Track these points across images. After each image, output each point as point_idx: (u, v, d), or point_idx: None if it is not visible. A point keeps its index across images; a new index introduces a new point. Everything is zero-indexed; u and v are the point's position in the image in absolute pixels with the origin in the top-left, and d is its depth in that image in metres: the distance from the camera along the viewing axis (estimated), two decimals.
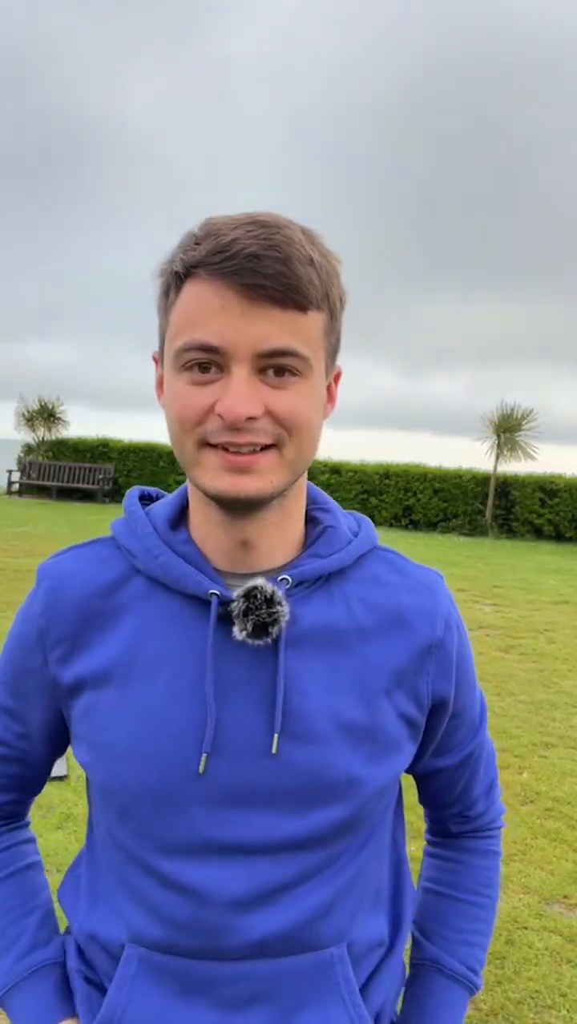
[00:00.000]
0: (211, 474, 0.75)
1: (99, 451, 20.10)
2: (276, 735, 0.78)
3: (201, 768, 0.78)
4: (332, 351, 0.80)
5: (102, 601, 0.84)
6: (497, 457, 17.78)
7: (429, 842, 1.08)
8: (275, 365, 0.73)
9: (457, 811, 1.02)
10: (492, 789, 1.04)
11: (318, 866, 0.81)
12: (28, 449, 20.85)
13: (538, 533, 17.26)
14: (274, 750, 0.78)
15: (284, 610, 0.78)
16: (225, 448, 0.74)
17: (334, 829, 0.81)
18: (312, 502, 0.90)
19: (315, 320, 0.75)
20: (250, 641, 0.78)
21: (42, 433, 20.94)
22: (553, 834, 3.57)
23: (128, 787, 0.80)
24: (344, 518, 0.90)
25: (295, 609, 0.81)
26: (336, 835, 0.82)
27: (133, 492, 0.92)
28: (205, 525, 0.83)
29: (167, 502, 0.89)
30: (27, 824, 1.04)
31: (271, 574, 0.83)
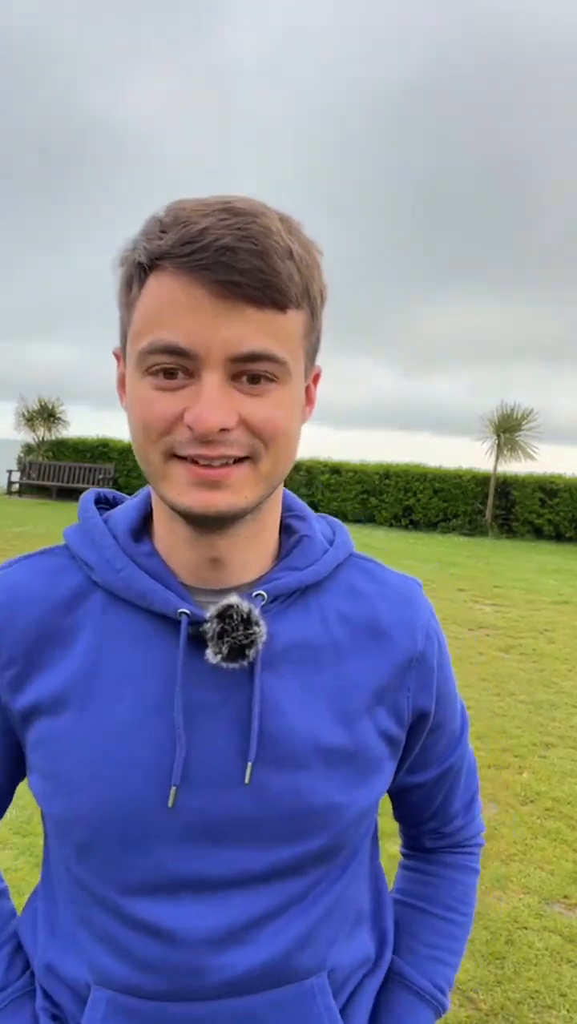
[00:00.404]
0: (179, 488, 0.68)
1: (99, 451, 20.11)
2: (249, 763, 0.72)
3: (171, 802, 0.71)
4: (312, 351, 0.74)
5: (59, 617, 0.76)
6: (497, 457, 17.78)
7: (403, 855, 1.03)
8: (250, 371, 0.66)
9: (433, 827, 0.97)
10: (472, 804, 0.99)
11: (295, 897, 0.76)
12: (28, 449, 20.85)
13: (538, 533, 17.26)
14: (247, 780, 0.72)
15: (262, 631, 0.72)
16: (194, 461, 0.67)
17: (313, 858, 0.76)
18: (287, 509, 0.84)
19: (294, 320, 0.68)
20: (225, 665, 0.72)
21: (42, 433, 20.94)
22: (553, 834, 3.57)
23: (88, 821, 0.73)
24: (318, 524, 0.85)
25: (271, 627, 0.75)
26: (314, 864, 0.77)
27: (88, 495, 0.84)
28: (170, 537, 0.76)
29: (128, 509, 0.82)
30: None
31: (244, 589, 0.77)
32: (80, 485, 19.31)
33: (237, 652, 0.72)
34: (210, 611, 0.73)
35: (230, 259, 0.63)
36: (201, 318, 0.64)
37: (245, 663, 0.73)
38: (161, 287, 0.66)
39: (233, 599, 0.73)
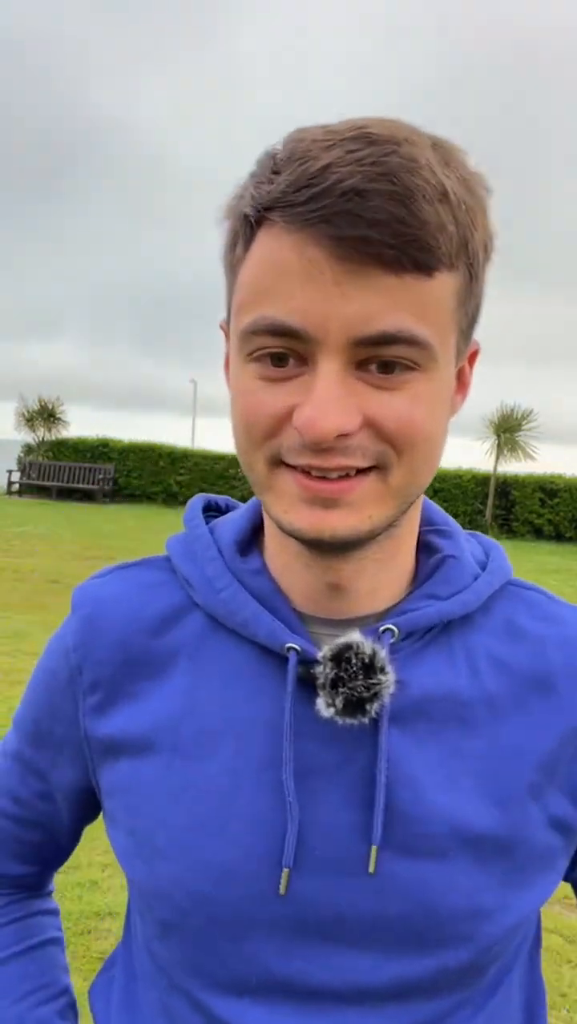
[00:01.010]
0: (286, 504, 0.55)
1: (99, 451, 20.10)
2: (374, 847, 0.57)
3: (282, 888, 0.57)
4: (469, 325, 0.57)
5: (151, 639, 0.64)
6: (497, 457, 17.80)
7: None
8: (382, 357, 0.51)
9: None
10: None
11: (427, 1022, 0.59)
12: (28, 449, 20.86)
13: (538, 533, 17.27)
14: (372, 868, 0.57)
15: (388, 680, 0.57)
16: (306, 471, 0.53)
17: (451, 978, 0.59)
18: (427, 523, 0.67)
19: (445, 285, 0.51)
20: (340, 720, 0.57)
21: (42, 433, 20.96)
22: None
23: (172, 896, 0.60)
24: (467, 543, 0.68)
25: (402, 672, 0.59)
26: (453, 985, 0.60)
27: (197, 501, 0.71)
28: (282, 555, 0.62)
29: (237, 518, 0.68)
30: (48, 893, 0.83)
31: (370, 621, 0.61)
32: (80, 485, 19.30)
33: (355, 707, 0.57)
34: (323, 651, 0.58)
35: (357, 206, 0.47)
36: (317, 288, 0.49)
37: (366, 719, 0.57)
38: (269, 247, 0.51)
39: (354, 637, 0.58)
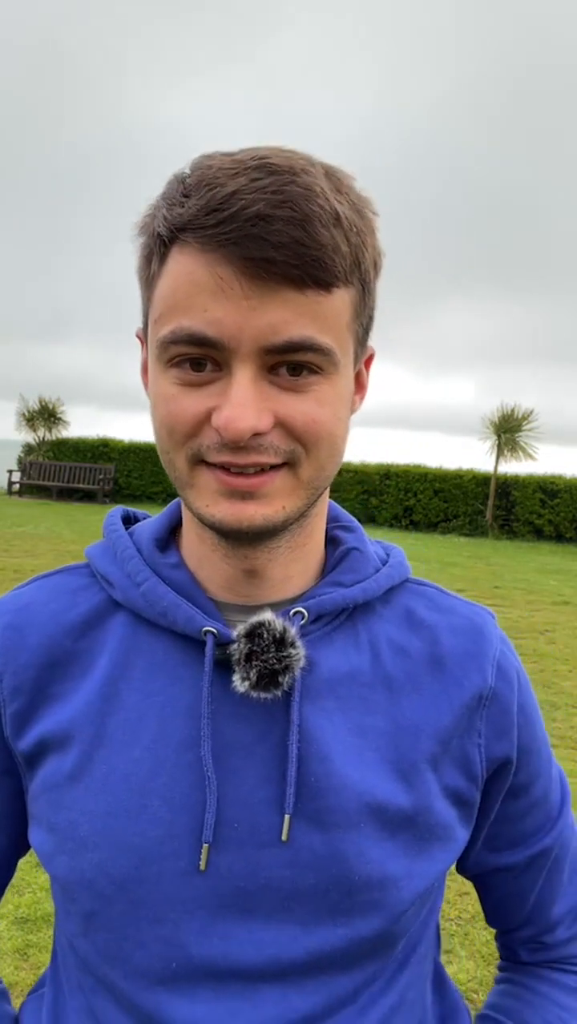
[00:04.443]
0: (207, 498, 0.59)
1: (99, 451, 20.10)
2: (287, 816, 0.60)
3: (203, 864, 0.60)
4: (363, 333, 0.63)
5: (72, 642, 0.67)
6: (497, 457, 17.79)
7: (499, 969, 0.84)
8: (290, 362, 0.57)
9: (530, 934, 0.78)
10: None
11: (344, 998, 0.62)
12: (28, 449, 20.86)
13: (539, 534, 17.25)
14: (284, 836, 0.60)
15: (298, 653, 0.62)
16: (225, 468, 0.59)
17: (365, 947, 0.62)
18: (333, 520, 0.73)
19: (342, 300, 0.58)
20: (254, 694, 0.61)
21: (42, 433, 20.96)
22: None
23: (95, 884, 0.61)
24: (371, 544, 0.74)
25: (313, 652, 0.64)
26: (367, 955, 0.63)
27: (115, 512, 0.75)
28: (199, 547, 0.67)
29: (153, 520, 0.73)
30: None
31: (283, 607, 0.66)
32: (80, 485, 19.31)
33: (268, 679, 0.61)
34: (238, 629, 0.63)
35: (263, 230, 0.53)
36: (230, 303, 0.54)
37: (279, 692, 0.62)
38: (184, 265, 0.56)
39: (266, 615, 0.63)
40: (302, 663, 0.63)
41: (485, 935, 2.77)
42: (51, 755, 0.65)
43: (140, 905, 0.61)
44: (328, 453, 0.61)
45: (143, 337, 0.65)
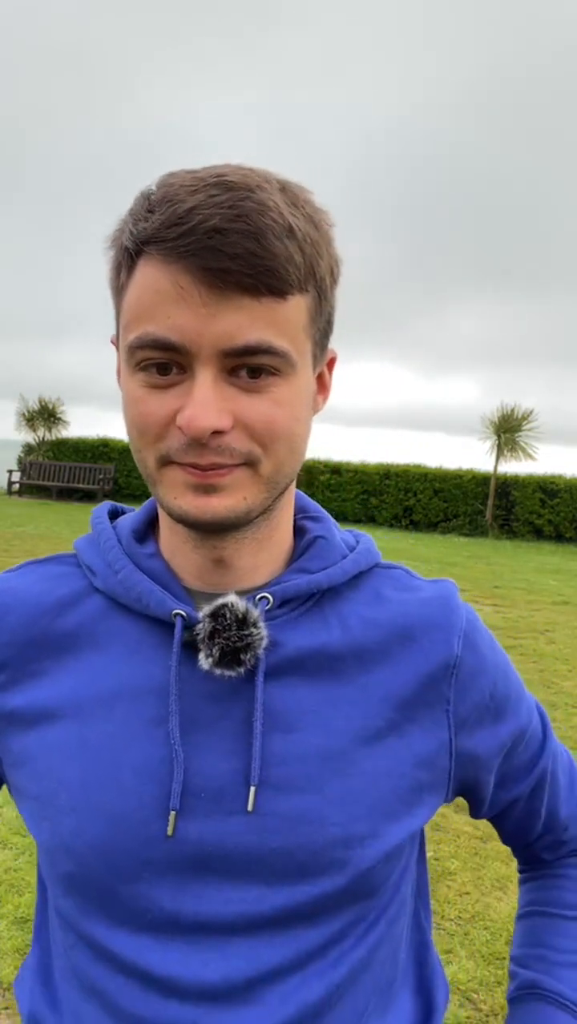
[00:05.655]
0: (174, 492, 0.63)
1: (99, 451, 20.12)
2: (253, 787, 0.64)
3: (170, 830, 0.64)
4: (322, 337, 0.67)
5: (50, 621, 0.72)
6: (497, 457, 17.80)
7: (521, 872, 0.91)
8: (248, 364, 0.60)
9: (549, 841, 0.86)
10: None
11: (312, 952, 0.66)
12: (28, 449, 20.86)
13: (538, 533, 17.26)
14: (250, 806, 0.64)
15: (259, 633, 0.66)
16: (189, 466, 0.63)
17: (331, 903, 0.66)
18: (301, 511, 0.77)
19: (297, 306, 0.61)
20: (218, 671, 0.66)
21: (42, 433, 20.96)
22: None
23: (72, 848, 0.66)
24: (339, 532, 0.78)
25: (278, 634, 0.68)
26: (334, 912, 0.67)
27: (102, 507, 0.80)
28: (172, 539, 0.71)
29: (134, 514, 0.78)
30: None
31: (251, 593, 0.70)
32: (80, 485, 19.32)
33: (230, 656, 0.65)
34: (203, 610, 0.67)
35: (219, 243, 0.57)
36: (190, 310, 0.58)
37: (241, 670, 0.66)
38: (148, 275, 0.60)
39: (230, 598, 0.67)
40: (265, 642, 0.66)
41: (485, 935, 2.77)
42: (34, 728, 0.70)
43: (114, 867, 0.65)
44: (287, 450, 0.64)
45: (116, 343, 0.69)
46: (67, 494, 19.42)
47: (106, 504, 0.81)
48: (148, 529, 0.76)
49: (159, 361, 0.61)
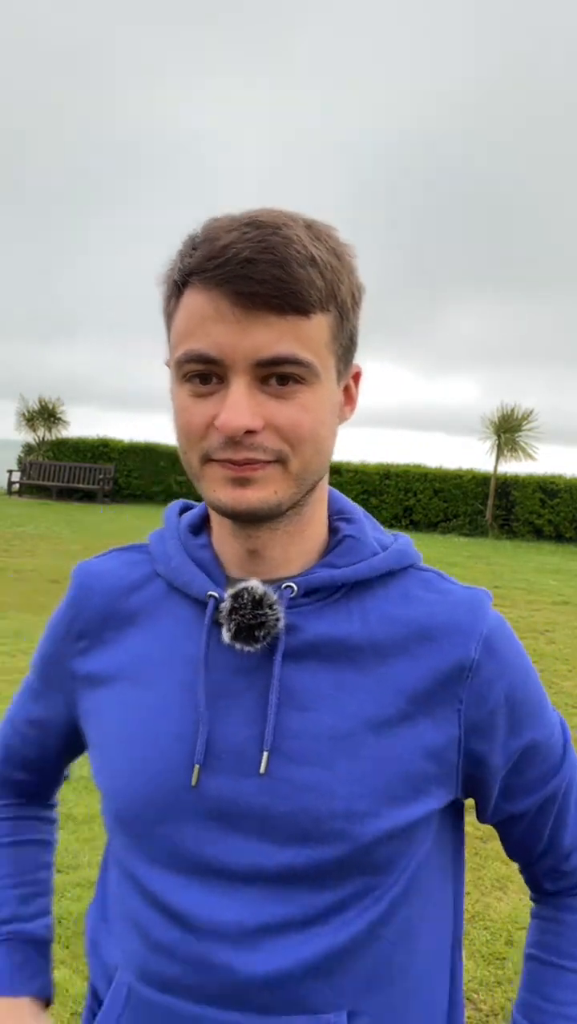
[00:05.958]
0: (214, 485, 0.72)
1: (99, 451, 20.10)
2: (265, 752, 0.73)
3: (193, 780, 0.74)
4: (344, 353, 0.76)
5: (122, 600, 0.84)
6: (497, 457, 17.79)
7: (532, 900, 0.95)
8: (277, 373, 0.70)
9: (549, 865, 0.88)
10: None
11: (315, 915, 0.73)
12: (28, 449, 20.86)
13: (538, 533, 17.26)
14: (262, 769, 0.73)
15: (275, 614, 0.74)
16: (226, 463, 0.71)
17: (331, 869, 0.73)
18: (338, 512, 0.84)
19: (320, 323, 0.71)
20: (237, 645, 0.75)
21: (42, 433, 20.95)
22: None
23: (121, 793, 0.79)
24: (374, 531, 0.84)
25: (300, 620, 0.76)
26: (334, 879, 0.73)
27: (174, 505, 0.91)
28: (219, 531, 0.81)
29: (196, 509, 0.89)
30: (49, 805, 1.04)
31: (280, 582, 0.78)
32: (80, 485, 19.32)
33: (246, 632, 0.74)
34: (228, 592, 0.76)
35: (249, 271, 0.67)
36: (226, 327, 0.68)
37: (257, 646, 0.75)
38: (192, 301, 0.71)
39: (251, 583, 0.76)
40: (281, 623, 0.75)
41: (485, 935, 2.77)
42: (100, 688, 0.83)
43: (151, 811, 0.76)
44: (313, 450, 0.73)
45: (169, 364, 0.78)
46: (67, 494, 19.42)
47: (178, 502, 0.92)
48: (203, 523, 0.86)
49: (201, 372, 0.71)
